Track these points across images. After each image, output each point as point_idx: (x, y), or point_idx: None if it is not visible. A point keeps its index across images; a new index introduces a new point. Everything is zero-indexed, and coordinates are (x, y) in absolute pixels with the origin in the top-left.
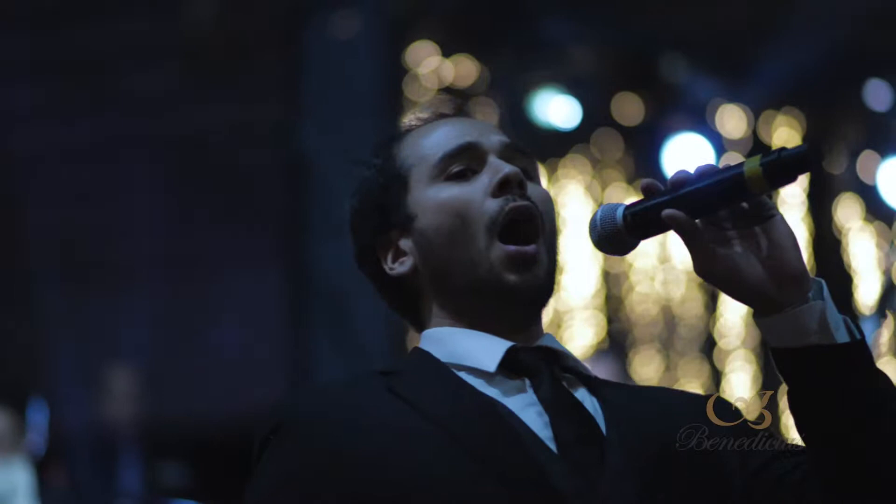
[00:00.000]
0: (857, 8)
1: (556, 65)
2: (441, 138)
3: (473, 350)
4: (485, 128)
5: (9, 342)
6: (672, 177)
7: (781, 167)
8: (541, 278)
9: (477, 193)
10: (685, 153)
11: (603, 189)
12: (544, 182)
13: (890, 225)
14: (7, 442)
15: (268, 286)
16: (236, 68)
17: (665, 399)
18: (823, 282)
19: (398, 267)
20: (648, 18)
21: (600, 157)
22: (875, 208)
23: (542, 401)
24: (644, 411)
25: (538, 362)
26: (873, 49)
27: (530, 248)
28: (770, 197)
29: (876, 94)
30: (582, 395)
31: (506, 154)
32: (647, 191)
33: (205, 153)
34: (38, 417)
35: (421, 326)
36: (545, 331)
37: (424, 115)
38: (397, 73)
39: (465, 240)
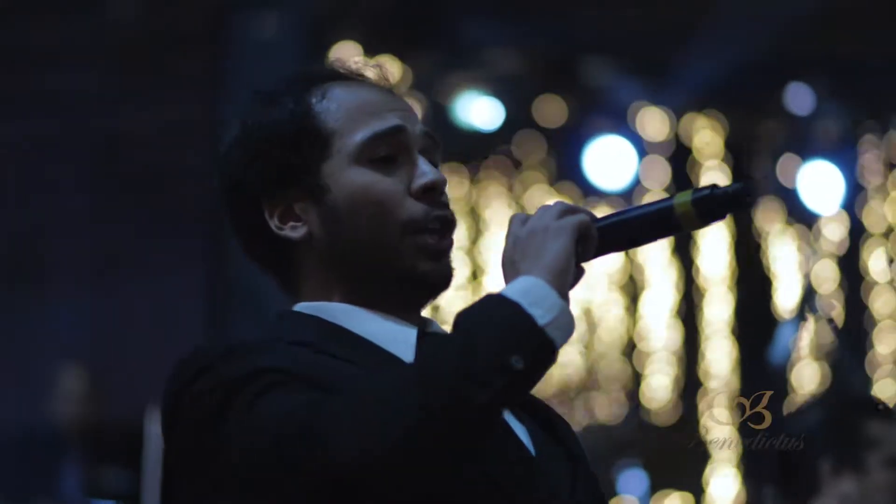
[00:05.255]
0: (779, 11)
1: (479, 66)
2: (372, 109)
3: (381, 333)
4: (409, 109)
5: None
6: None
7: (714, 204)
8: (451, 268)
9: (399, 190)
10: (607, 155)
11: (525, 191)
12: (466, 184)
13: (810, 228)
14: None
15: (190, 287)
16: (157, 68)
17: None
18: None
19: (288, 231)
20: (570, 21)
21: (522, 159)
22: (796, 211)
23: None
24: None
25: None
26: (795, 52)
27: (446, 241)
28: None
29: (797, 98)
30: None
31: (425, 145)
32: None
33: (125, 153)
34: None
35: (294, 291)
36: None
37: (349, 68)
38: None
39: (378, 227)
